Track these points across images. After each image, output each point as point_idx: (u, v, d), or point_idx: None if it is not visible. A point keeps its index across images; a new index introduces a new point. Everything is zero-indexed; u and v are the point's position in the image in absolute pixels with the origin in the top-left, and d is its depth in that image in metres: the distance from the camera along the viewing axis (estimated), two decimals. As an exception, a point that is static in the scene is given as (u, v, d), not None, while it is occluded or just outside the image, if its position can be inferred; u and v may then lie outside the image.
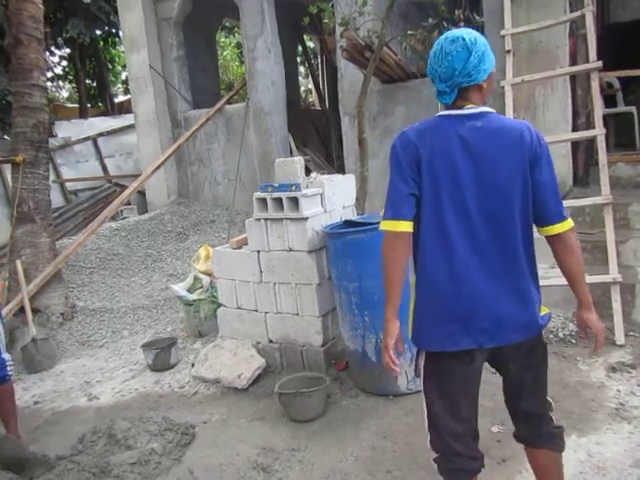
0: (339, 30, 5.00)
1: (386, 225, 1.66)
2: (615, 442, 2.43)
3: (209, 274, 4.48)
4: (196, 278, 4.55)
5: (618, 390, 2.85)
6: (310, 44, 12.59)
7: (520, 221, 1.62)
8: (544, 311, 1.71)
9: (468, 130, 1.61)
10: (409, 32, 4.90)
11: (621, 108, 5.78)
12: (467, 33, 1.62)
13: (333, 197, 3.72)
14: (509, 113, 4.77)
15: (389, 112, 5.97)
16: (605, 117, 5.65)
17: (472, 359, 1.66)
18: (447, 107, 1.68)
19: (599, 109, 4.57)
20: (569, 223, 1.66)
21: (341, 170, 6.55)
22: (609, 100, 5.97)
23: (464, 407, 1.71)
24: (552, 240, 1.68)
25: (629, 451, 2.38)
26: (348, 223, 3.45)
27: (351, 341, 3.20)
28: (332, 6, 4.85)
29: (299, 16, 5.03)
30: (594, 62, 4.53)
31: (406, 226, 1.64)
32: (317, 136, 8.55)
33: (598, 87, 4.71)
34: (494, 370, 1.81)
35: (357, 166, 5.20)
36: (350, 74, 5.98)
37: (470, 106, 1.64)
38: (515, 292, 1.62)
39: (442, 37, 1.65)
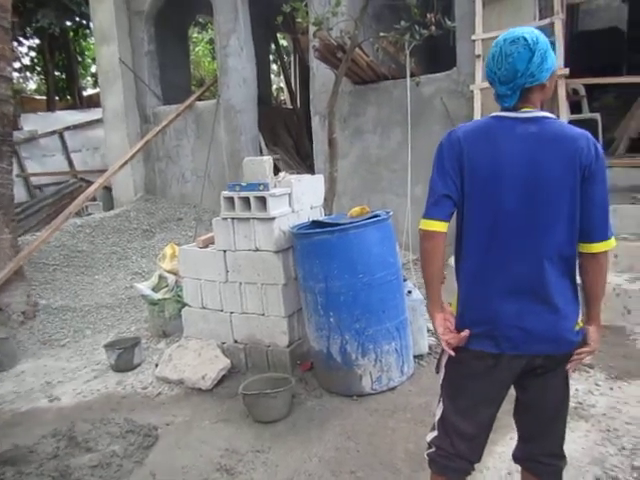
0: (312, 30, 4.98)
1: (421, 224, 1.65)
2: (573, 440, 2.47)
3: (175, 273, 4.40)
4: (161, 277, 4.47)
5: (576, 389, 2.90)
6: (283, 42, 12.54)
7: (563, 235, 1.56)
8: (579, 327, 1.65)
9: (520, 135, 1.55)
10: (381, 34, 4.93)
11: (586, 114, 5.92)
12: (528, 32, 1.54)
13: (301, 197, 3.70)
14: (477, 116, 4.85)
15: (360, 113, 5.99)
16: (571, 122, 5.79)
17: (496, 364, 1.61)
18: (504, 109, 1.61)
19: (565, 115, 4.68)
20: (610, 243, 1.60)
21: (311, 170, 6.55)
22: (575, 106, 6.11)
23: (481, 412, 1.67)
24: (586, 257, 1.62)
25: (587, 449, 2.42)
26: (315, 223, 3.43)
27: (316, 342, 3.18)
28: (306, 5, 4.82)
29: (272, 14, 4.97)
30: (561, 69, 4.64)
31: (438, 226, 1.61)
32: (288, 135, 8.51)
33: (565, 93, 4.83)
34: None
35: (326, 166, 5.19)
36: (322, 74, 5.98)
37: (527, 109, 1.58)
38: (549, 305, 1.57)
39: (500, 39, 1.57)
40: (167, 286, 4.45)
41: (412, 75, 5.32)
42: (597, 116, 5.81)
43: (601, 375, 3.09)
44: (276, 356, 3.42)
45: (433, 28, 4.54)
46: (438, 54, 6.57)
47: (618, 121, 6.12)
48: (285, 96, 12.21)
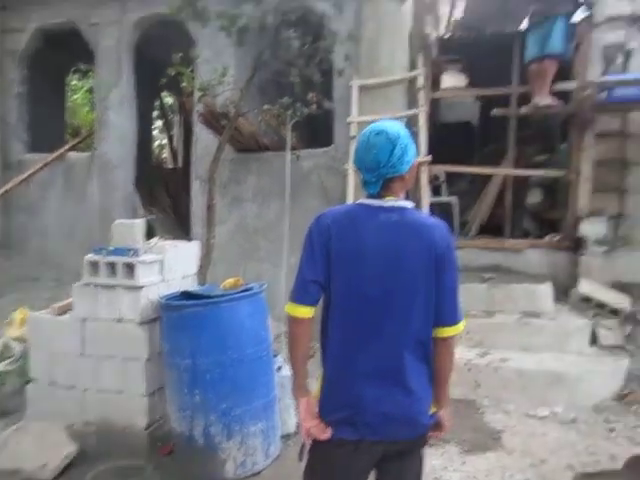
0: (197, 95, 5.02)
1: (288, 308, 1.70)
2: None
3: (23, 341, 3.94)
4: (6, 345, 3.97)
5: (433, 465, 3.01)
6: (169, 100, 12.44)
7: (419, 321, 1.64)
8: (433, 410, 1.72)
9: (383, 223, 1.64)
10: (265, 107, 5.11)
11: (445, 198, 6.55)
12: (392, 127, 1.67)
13: (174, 265, 3.56)
14: (350, 194, 5.13)
15: (240, 180, 6.04)
16: (432, 205, 6.36)
17: (356, 450, 1.64)
18: (369, 195, 1.71)
19: (427, 198, 5.12)
20: (459, 328, 1.70)
21: (188, 233, 6.40)
22: (436, 190, 6.74)
23: None
24: (437, 341, 1.70)
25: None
26: (187, 294, 3.30)
27: (178, 423, 2.98)
28: (192, 71, 4.87)
29: (158, 73, 4.96)
30: (424, 156, 5.11)
31: (305, 312, 1.67)
32: (167, 195, 8.28)
33: (427, 178, 5.31)
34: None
35: (204, 232, 5.11)
36: (205, 138, 5.98)
37: (390, 198, 1.68)
38: (407, 389, 1.63)
39: (367, 129, 1.69)
40: (12, 356, 3.95)
41: (293, 148, 5.52)
42: (453, 200, 6.46)
43: (455, 449, 3.24)
44: (133, 439, 3.13)
45: (314, 107, 4.83)
46: (319, 131, 6.94)
47: (471, 205, 6.84)
48: (167, 155, 12.00)
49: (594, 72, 5.18)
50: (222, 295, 3.15)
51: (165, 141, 12.64)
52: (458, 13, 6.58)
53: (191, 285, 3.74)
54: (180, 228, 7.51)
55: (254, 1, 3.96)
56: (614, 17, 5.20)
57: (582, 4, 5.08)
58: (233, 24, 3.89)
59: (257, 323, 3.13)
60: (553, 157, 6.43)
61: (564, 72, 5.40)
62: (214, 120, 5.20)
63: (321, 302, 1.73)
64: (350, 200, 5.05)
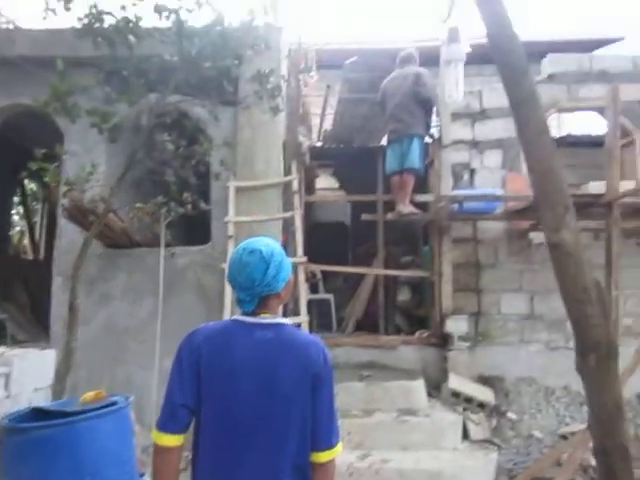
0: (63, 189, 4.74)
1: (154, 435, 1.60)
2: None
3: None
4: None
5: None
6: (33, 187, 11.63)
7: (295, 445, 1.57)
8: None
9: (257, 341, 1.60)
10: (138, 205, 4.96)
11: (322, 295, 6.73)
12: (265, 245, 1.64)
13: (23, 378, 3.17)
14: (228, 292, 5.03)
15: (109, 277, 5.66)
16: (310, 301, 6.47)
17: None
18: (244, 313, 1.66)
19: (304, 297, 5.19)
20: (336, 451, 1.64)
21: (47, 334, 5.73)
22: (314, 287, 6.91)
23: None
24: (314, 466, 1.63)
25: None
26: (38, 412, 2.88)
27: None
28: (58, 165, 4.62)
29: (23, 157, 4.62)
30: (301, 257, 5.25)
31: (173, 440, 1.57)
32: (24, 290, 7.48)
33: (304, 277, 5.41)
34: None
35: (64, 334, 4.61)
36: (70, 232, 5.57)
37: (266, 315, 1.65)
38: None
39: (240, 247, 1.66)
40: None
41: (168, 245, 5.37)
42: (330, 297, 6.66)
43: None
44: None
45: (189, 207, 4.79)
46: (196, 227, 6.86)
47: (347, 302, 7.08)
48: (27, 245, 10.99)
49: (446, 186, 5.88)
50: (80, 412, 2.78)
51: (25, 228, 11.61)
52: (327, 125, 7.17)
53: (44, 400, 3.29)
54: (38, 329, 6.74)
55: (128, 101, 3.93)
56: (458, 141, 6.05)
57: (433, 127, 5.83)
58: (105, 122, 3.81)
59: (120, 443, 2.79)
60: (418, 258, 6.99)
61: (422, 184, 6.06)
62: (81, 216, 4.91)
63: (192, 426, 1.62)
64: (228, 298, 4.97)
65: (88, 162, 4.65)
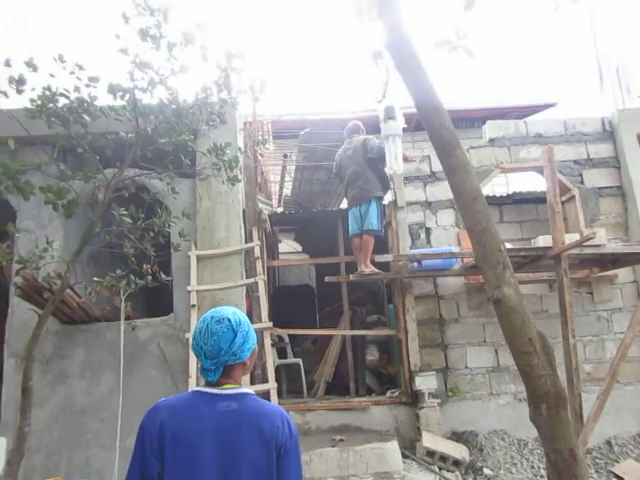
0: (16, 267, 4.64)
1: None
2: None
3: None
4: None
5: None
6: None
7: None
8: None
9: (220, 412, 1.57)
10: (96, 279, 4.87)
11: (291, 359, 6.63)
12: (232, 313, 1.65)
13: (-32, 471, 2.94)
14: (193, 362, 4.92)
15: (66, 355, 5.46)
16: (279, 366, 6.37)
17: None
18: (207, 383, 1.64)
19: (271, 363, 5.11)
20: None
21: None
22: (282, 351, 6.82)
23: None
24: None
25: None
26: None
27: None
28: (9, 244, 4.53)
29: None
30: (266, 322, 5.23)
31: None
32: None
33: (270, 342, 5.36)
34: None
35: (17, 418, 4.37)
36: (24, 311, 5.38)
37: (229, 386, 1.63)
38: None
39: (207, 315, 1.66)
40: None
41: (128, 318, 5.25)
42: (299, 361, 6.57)
43: None
44: None
45: (149, 278, 4.74)
46: (158, 298, 6.76)
47: (316, 364, 6.99)
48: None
49: (405, 245, 6.06)
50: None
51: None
52: (287, 191, 7.36)
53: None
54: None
55: (83, 177, 3.96)
56: (412, 202, 6.30)
57: (388, 190, 6.07)
58: (60, 198, 3.80)
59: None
60: (383, 317, 7.03)
61: (383, 245, 6.21)
62: (35, 293, 4.78)
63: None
64: (193, 369, 4.86)
65: (43, 238, 4.61)
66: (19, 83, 3.63)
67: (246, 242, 5.64)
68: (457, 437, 5.66)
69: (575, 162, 6.41)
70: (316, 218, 7.05)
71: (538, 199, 6.25)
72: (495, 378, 5.95)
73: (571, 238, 4.79)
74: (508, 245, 4.51)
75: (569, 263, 4.77)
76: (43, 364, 5.36)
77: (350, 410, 5.75)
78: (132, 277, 4.57)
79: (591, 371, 5.89)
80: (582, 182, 6.35)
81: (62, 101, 3.86)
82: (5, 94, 3.68)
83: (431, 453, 5.07)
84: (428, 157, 6.46)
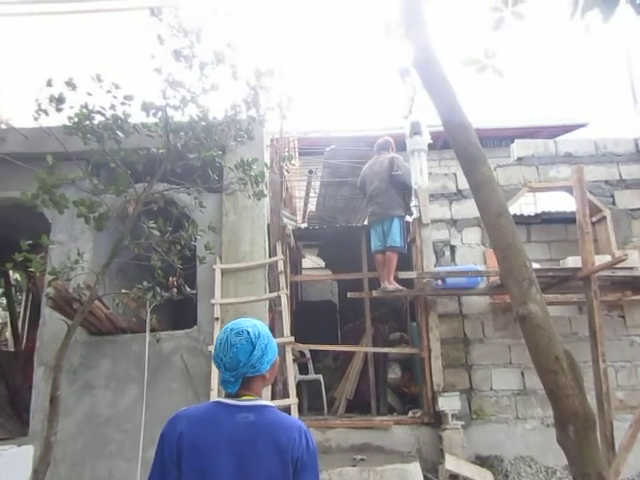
0: (48, 278, 4.77)
1: None
2: None
3: None
4: None
5: None
6: (17, 277, 11.60)
7: None
8: None
9: (238, 424, 1.59)
10: (123, 291, 4.97)
11: (311, 375, 6.60)
12: (252, 326, 1.67)
13: (-4, 477, 3.00)
14: (215, 376, 4.95)
15: (92, 365, 5.55)
16: (301, 382, 6.35)
17: None
18: (227, 395, 1.66)
19: (292, 379, 5.10)
20: None
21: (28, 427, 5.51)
22: (303, 366, 6.79)
23: None
24: None
25: None
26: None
27: None
28: (43, 256, 4.67)
29: (6, 248, 4.65)
30: (288, 337, 5.23)
31: None
32: (3, 382, 7.25)
33: (292, 358, 5.36)
34: None
35: (44, 427, 4.45)
36: (54, 321, 5.51)
37: (247, 397, 1.64)
38: None
39: (227, 327, 1.68)
40: None
41: (153, 330, 5.32)
42: (320, 377, 6.53)
43: None
44: None
45: (174, 291, 4.81)
46: (182, 311, 6.84)
47: (337, 381, 6.94)
48: (9, 335, 10.76)
49: (429, 262, 6.02)
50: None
51: (7, 319, 11.41)
52: (312, 207, 7.41)
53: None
54: (17, 421, 6.47)
55: (115, 191, 4.08)
56: (437, 220, 6.28)
57: (410, 214, 6.07)
58: (92, 212, 3.92)
59: None
60: (406, 334, 6.96)
61: (406, 262, 6.18)
62: (66, 304, 4.90)
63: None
64: (215, 382, 4.89)
65: (74, 250, 4.73)
66: (59, 102, 3.79)
67: (270, 256, 5.69)
68: (481, 461, 5.52)
69: (606, 182, 6.31)
70: (339, 234, 7.06)
71: (567, 219, 6.14)
72: (521, 401, 5.81)
73: (602, 260, 4.69)
74: (536, 265, 4.45)
75: (600, 285, 4.67)
76: (70, 374, 5.45)
77: (371, 429, 5.68)
78: (158, 289, 4.64)
79: (624, 398, 5.70)
80: (614, 203, 6.23)
81: (98, 118, 4.00)
82: (46, 112, 3.84)
83: (454, 477, 4.96)
84: (454, 174, 6.44)
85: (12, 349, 9.08)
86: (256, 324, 1.72)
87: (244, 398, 1.66)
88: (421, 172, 5.53)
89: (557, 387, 1.78)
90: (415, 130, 5.61)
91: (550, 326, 1.84)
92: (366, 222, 6.33)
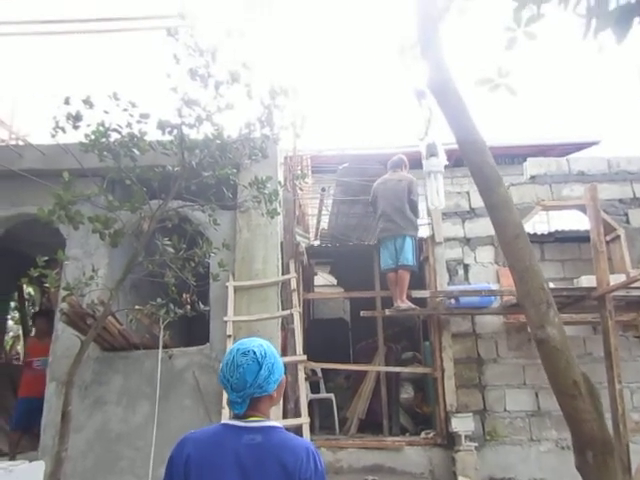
0: (62, 294, 4.81)
1: None
2: None
3: None
4: None
5: None
6: (30, 291, 11.71)
7: None
8: None
9: (244, 446, 1.58)
10: (137, 307, 4.99)
11: (323, 394, 6.55)
12: (258, 346, 1.66)
13: (8, 493, 3.00)
14: (224, 396, 4.93)
15: (104, 381, 5.55)
16: (312, 401, 6.30)
17: None
18: (235, 416, 1.66)
19: (304, 398, 5.07)
20: None
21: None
22: (314, 385, 6.75)
23: None
24: None
25: None
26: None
27: None
28: (58, 272, 4.72)
29: (19, 266, 4.71)
30: (300, 355, 5.20)
31: None
32: (14, 396, 7.28)
33: (304, 376, 5.33)
34: None
35: (55, 443, 4.45)
36: (67, 337, 5.55)
37: (254, 419, 1.63)
38: None
39: (234, 347, 1.67)
40: None
41: (165, 347, 5.33)
42: (332, 396, 6.48)
43: None
44: None
45: (188, 308, 4.82)
46: (195, 328, 6.85)
47: (349, 400, 6.88)
48: (20, 350, 10.83)
49: (442, 281, 5.99)
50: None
51: (20, 333, 11.48)
52: (324, 224, 7.43)
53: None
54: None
55: (130, 208, 4.13)
56: (451, 238, 6.26)
57: (422, 225, 6.08)
58: (107, 228, 3.97)
59: None
60: (419, 354, 6.90)
61: (419, 280, 6.15)
62: (79, 319, 4.93)
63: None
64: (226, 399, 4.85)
65: (89, 265, 4.77)
66: (76, 119, 3.85)
67: (283, 274, 5.69)
68: (495, 484, 5.42)
69: (620, 201, 6.26)
70: (352, 252, 7.06)
71: (581, 238, 6.09)
72: (535, 423, 5.71)
73: (616, 279, 4.64)
74: (550, 284, 4.40)
75: (615, 305, 4.60)
76: (82, 390, 5.46)
77: (383, 450, 5.61)
78: (172, 306, 4.66)
79: (639, 420, 5.59)
80: (628, 222, 6.17)
81: (114, 136, 4.07)
82: (63, 129, 3.91)
83: (468, 500, 4.87)
84: (467, 193, 6.43)
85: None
86: (262, 344, 1.71)
87: (251, 419, 1.65)
88: (437, 193, 5.56)
89: (575, 411, 1.75)
90: (431, 152, 5.64)
91: (568, 349, 1.81)
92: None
